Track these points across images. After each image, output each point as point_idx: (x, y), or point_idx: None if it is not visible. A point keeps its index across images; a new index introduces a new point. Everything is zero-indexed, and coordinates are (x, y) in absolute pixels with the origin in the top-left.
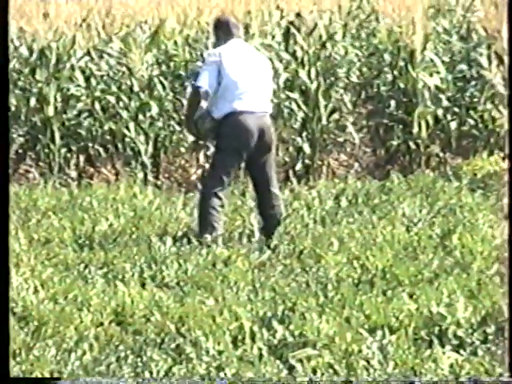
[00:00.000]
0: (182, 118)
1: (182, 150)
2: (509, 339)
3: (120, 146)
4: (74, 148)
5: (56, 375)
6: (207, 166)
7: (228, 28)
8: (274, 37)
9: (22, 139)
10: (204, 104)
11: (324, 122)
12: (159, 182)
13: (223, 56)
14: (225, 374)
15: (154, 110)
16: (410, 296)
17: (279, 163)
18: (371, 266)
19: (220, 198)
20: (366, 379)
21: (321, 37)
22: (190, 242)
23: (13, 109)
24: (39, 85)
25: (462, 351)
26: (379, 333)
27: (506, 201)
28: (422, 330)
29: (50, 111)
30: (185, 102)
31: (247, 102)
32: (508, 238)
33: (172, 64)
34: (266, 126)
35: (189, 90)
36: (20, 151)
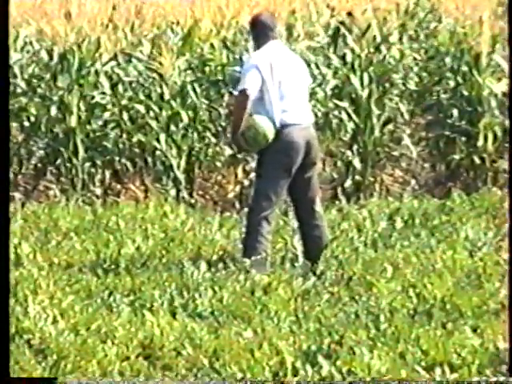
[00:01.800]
0: (229, 127)
1: (219, 164)
2: (509, 339)
3: (150, 159)
4: (99, 162)
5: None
6: (246, 182)
7: (264, 29)
8: (322, 39)
9: (41, 152)
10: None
11: (377, 133)
12: (193, 200)
13: (262, 62)
14: None
15: (187, 120)
16: (474, 330)
17: (326, 179)
18: (429, 296)
19: (270, 223)
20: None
21: (374, 38)
22: (226, 267)
23: (32, 119)
24: (60, 92)
25: None
26: (438, 371)
27: None
28: (488, 369)
29: (73, 121)
30: (223, 111)
31: (294, 114)
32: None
33: (207, 69)
34: (312, 139)
35: (227, 98)
36: (39, 165)
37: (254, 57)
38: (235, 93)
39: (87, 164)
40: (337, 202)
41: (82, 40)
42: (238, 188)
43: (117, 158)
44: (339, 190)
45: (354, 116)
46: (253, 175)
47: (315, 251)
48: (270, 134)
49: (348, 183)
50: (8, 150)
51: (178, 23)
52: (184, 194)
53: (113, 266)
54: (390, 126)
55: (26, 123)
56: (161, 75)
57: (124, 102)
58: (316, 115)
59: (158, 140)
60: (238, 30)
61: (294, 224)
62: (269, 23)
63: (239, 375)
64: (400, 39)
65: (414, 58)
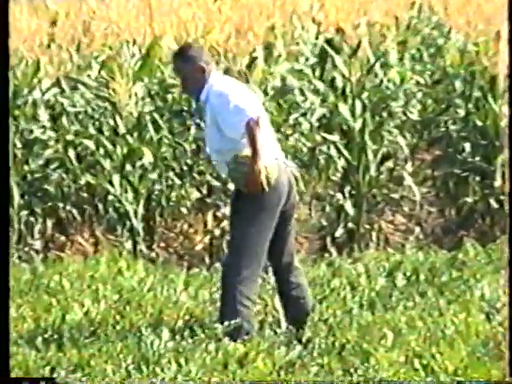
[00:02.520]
0: (195, 166)
1: (184, 210)
2: (509, 339)
3: (101, 206)
4: (38, 210)
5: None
6: (217, 231)
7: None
8: (306, 60)
9: None
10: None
11: (373, 172)
12: (153, 254)
13: (242, 88)
14: None
15: (147, 158)
16: None
17: (313, 228)
18: (438, 368)
19: (254, 282)
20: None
21: (368, 59)
22: (193, 334)
23: None
24: None
25: None
26: None
27: None
28: None
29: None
30: (188, 146)
31: (275, 150)
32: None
33: (169, 96)
34: (293, 181)
35: (193, 131)
36: None
37: (225, 83)
38: (249, 121)
39: (24, 212)
40: (326, 255)
41: (16, 63)
42: (207, 239)
43: (60, 205)
44: (329, 240)
45: (344, 151)
46: (226, 223)
47: (299, 314)
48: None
49: (339, 232)
50: (7, 147)
51: (134, 42)
52: (142, 246)
53: (55, 336)
54: (389, 163)
55: None
56: (114, 104)
57: (69, 137)
58: (300, 150)
59: (110, 182)
60: (207, 49)
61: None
62: (203, 56)
63: None
64: (400, 59)
65: (417, 82)
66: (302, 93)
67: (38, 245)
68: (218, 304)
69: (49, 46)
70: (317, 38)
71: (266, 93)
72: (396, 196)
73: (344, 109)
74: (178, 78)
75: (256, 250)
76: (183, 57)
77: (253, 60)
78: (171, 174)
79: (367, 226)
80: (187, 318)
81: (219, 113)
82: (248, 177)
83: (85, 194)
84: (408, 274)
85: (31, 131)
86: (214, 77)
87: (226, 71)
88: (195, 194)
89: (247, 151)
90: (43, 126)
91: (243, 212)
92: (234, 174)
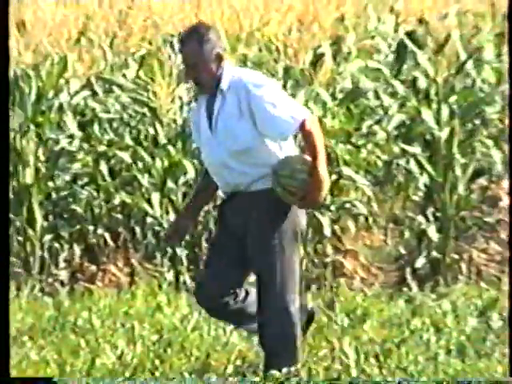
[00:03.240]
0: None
1: None
2: (509, 339)
3: (138, 230)
4: (64, 234)
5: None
6: None
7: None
8: (384, 56)
9: None
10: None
11: (462, 191)
12: None
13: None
14: None
15: (191, 172)
16: None
17: (389, 257)
18: None
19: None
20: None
21: (458, 56)
22: (246, 381)
23: None
24: (11, 134)
25: None
26: None
27: None
28: None
29: (28, 176)
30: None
31: None
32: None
33: None
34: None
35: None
36: None
37: (258, 75)
38: (305, 120)
39: (48, 236)
40: (405, 289)
41: (40, 60)
42: None
43: (91, 228)
44: (408, 271)
45: (428, 166)
46: None
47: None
48: None
49: (421, 262)
50: (7, 148)
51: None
52: (186, 277)
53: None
54: (482, 181)
55: None
56: (154, 110)
57: (101, 148)
58: (374, 164)
59: (149, 201)
60: (263, 44)
61: None
62: (221, 41)
63: None
64: (497, 56)
65: None
66: (377, 96)
67: (63, 275)
68: (272, 345)
69: (78, 40)
70: (395, 30)
71: (333, 96)
72: (490, 220)
73: (428, 115)
74: (186, 64)
75: (296, 276)
76: (200, 39)
77: (318, 57)
78: (220, 191)
79: (455, 256)
80: (238, 362)
81: (260, 106)
82: (309, 187)
83: (119, 216)
84: (505, 313)
85: (57, 141)
86: (231, 67)
87: (286, 70)
88: None
89: (301, 155)
90: (71, 136)
91: (272, 237)
92: (288, 182)
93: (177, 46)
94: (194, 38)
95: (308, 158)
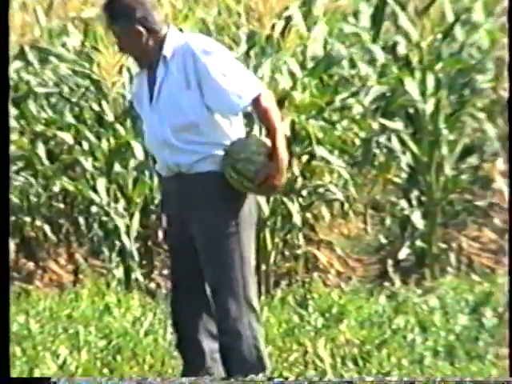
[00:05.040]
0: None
1: None
2: (509, 339)
3: (81, 220)
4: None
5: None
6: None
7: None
8: (362, 19)
9: None
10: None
11: (449, 171)
12: (152, 285)
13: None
14: None
15: (142, 155)
16: None
17: (369, 247)
18: None
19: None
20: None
21: (444, 16)
22: None
23: None
24: None
25: None
26: None
27: None
28: None
29: None
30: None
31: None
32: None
33: None
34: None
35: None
36: None
37: (209, 41)
38: (260, 96)
39: None
40: (387, 284)
41: None
42: None
43: (27, 219)
44: (390, 263)
45: (411, 144)
46: None
47: None
48: None
49: (404, 252)
50: (7, 148)
51: None
52: (138, 274)
53: None
54: (472, 159)
55: None
56: (98, 83)
57: (38, 127)
58: (351, 143)
59: (94, 188)
60: (224, 6)
61: None
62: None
63: None
64: (488, 15)
65: None
66: (353, 64)
67: None
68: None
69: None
70: None
71: (303, 65)
72: (482, 204)
73: (410, 85)
74: (118, 43)
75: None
76: (113, 11)
77: (286, 21)
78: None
79: (443, 245)
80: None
81: (208, 76)
82: (268, 171)
83: (60, 205)
84: (500, 309)
85: None
86: (177, 31)
87: (250, 36)
88: None
89: (256, 136)
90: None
91: (233, 227)
92: (245, 166)
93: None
94: (110, 10)
95: (263, 138)
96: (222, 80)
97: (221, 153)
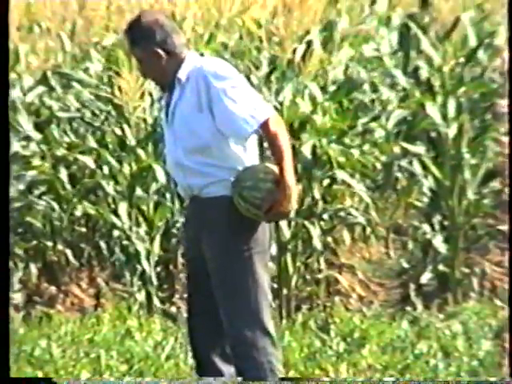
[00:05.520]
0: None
1: None
2: (509, 339)
3: (103, 245)
4: (19, 251)
5: None
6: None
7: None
8: (384, 43)
9: None
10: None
11: (472, 195)
12: (173, 309)
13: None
14: None
15: (164, 178)
16: None
17: (391, 271)
18: None
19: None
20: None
21: (467, 41)
22: None
23: None
24: None
25: None
26: None
27: None
28: None
29: None
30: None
31: None
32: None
33: None
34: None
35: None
36: None
37: (223, 65)
38: (269, 120)
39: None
40: (409, 309)
41: None
42: None
43: (49, 244)
44: (412, 287)
45: (433, 168)
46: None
47: None
48: None
49: (426, 277)
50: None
51: None
52: (158, 300)
53: None
54: (495, 184)
55: None
56: (120, 108)
57: (60, 152)
58: (372, 167)
59: (115, 212)
60: (245, 31)
61: None
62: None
63: None
64: (509, 39)
65: None
66: (375, 88)
67: (18, 298)
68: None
69: (30, 29)
70: (393, 11)
71: (324, 89)
72: (505, 228)
73: (432, 109)
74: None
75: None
76: (136, 34)
77: (307, 45)
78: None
79: (465, 270)
80: None
81: (219, 100)
82: (275, 198)
83: (82, 229)
84: (509, 320)
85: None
86: (195, 56)
87: (271, 60)
88: None
89: (264, 163)
90: (25, 138)
91: (247, 253)
92: (251, 194)
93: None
94: (131, 34)
95: (271, 165)
96: (232, 105)
97: (233, 178)
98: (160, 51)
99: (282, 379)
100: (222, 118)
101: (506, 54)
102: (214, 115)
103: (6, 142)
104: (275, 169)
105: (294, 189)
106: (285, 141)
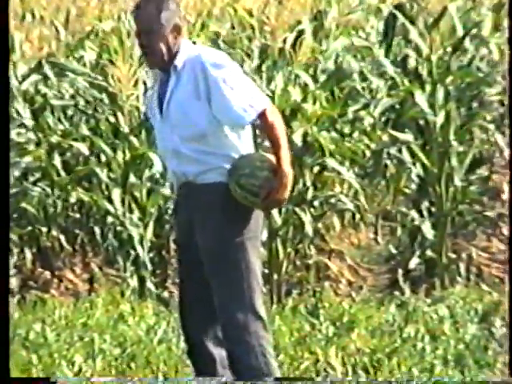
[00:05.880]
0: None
1: None
2: (509, 339)
3: (97, 230)
4: (13, 237)
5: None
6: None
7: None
8: (373, 33)
9: None
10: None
11: (459, 182)
12: (166, 294)
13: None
14: None
15: (157, 166)
16: None
17: (379, 256)
18: None
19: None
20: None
21: (454, 30)
22: None
23: None
24: None
25: None
26: None
27: None
28: None
29: None
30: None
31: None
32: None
33: None
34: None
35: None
36: None
37: (219, 54)
38: (265, 110)
39: None
40: (397, 293)
41: None
42: None
43: (44, 230)
44: (400, 273)
45: (421, 155)
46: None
47: None
48: None
49: (414, 262)
50: (8, 146)
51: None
52: (151, 283)
53: None
54: (482, 171)
55: None
56: (113, 96)
57: (55, 139)
58: (362, 154)
59: (109, 199)
60: (237, 20)
61: None
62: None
63: None
64: (496, 29)
65: None
66: (364, 77)
67: (13, 283)
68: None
69: (23, 17)
70: (383, 1)
71: (315, 78)
72: (492, 214)
73: (421, 98)
74: (140, 30)
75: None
76: (159, 4)
77: (298, 35)
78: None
79: (452, 255)
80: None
81: (216, 89)
82: (272, 186)
83: (76, 215)
84: (509, 319)
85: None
86: (190, 44)
87: (262, 50)
88: None
89: (260, 152)
90: (20, 125)
91: (239, 239)
92: (249, 181)
93: (132, 10)
94: (152, 2)
95: (266, 154)
96: (230, 93)
97: (228, 166)
98: (180, 24)
99: (278, 379)
100: (220, 107)
101: (505, 54)
102: (211, 103)
103: (6, 130)
104: (271, 157)
105: (291, 177)
106: (282, 130)
